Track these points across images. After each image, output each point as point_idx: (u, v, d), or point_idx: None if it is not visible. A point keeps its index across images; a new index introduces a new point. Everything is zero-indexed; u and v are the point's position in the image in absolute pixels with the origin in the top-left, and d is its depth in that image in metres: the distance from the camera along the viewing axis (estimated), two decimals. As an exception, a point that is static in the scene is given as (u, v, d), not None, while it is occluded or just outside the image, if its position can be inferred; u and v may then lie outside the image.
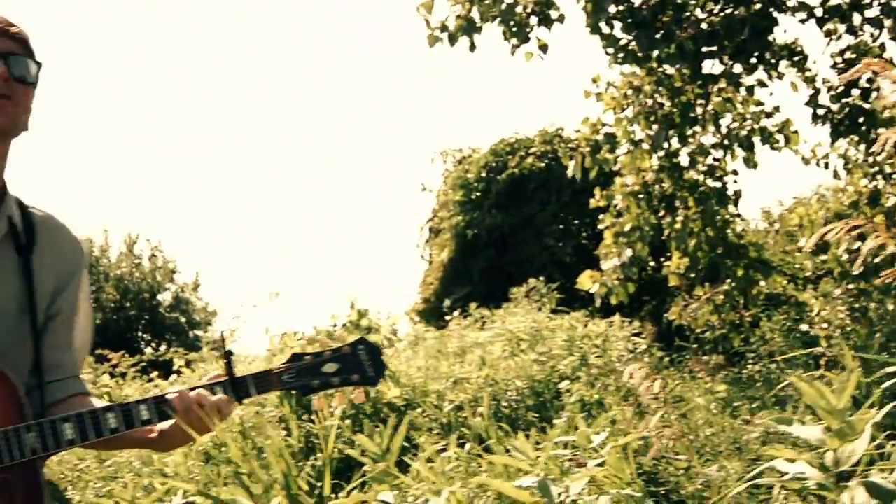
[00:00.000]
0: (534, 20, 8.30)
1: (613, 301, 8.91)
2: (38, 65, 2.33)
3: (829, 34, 8.38)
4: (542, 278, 10.57)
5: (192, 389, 2.37)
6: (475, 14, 8.33)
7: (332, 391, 2.61)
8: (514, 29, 8.28)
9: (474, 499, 2.13)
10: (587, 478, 2.01)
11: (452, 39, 8.44)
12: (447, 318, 11.77)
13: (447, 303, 16.69)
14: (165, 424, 2.38)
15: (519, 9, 8.23)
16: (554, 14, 8.27)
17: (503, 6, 8.21)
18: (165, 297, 29.13)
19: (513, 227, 19.70)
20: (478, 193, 20.53)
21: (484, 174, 20.78)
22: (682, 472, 3.36)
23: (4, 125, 2.24)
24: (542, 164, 20.17)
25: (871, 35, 8.16)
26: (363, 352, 2.59)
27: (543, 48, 8.34)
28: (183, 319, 28.95)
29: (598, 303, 9.00)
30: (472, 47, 8.50)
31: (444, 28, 8.40)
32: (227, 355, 2.48)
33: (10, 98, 2.23)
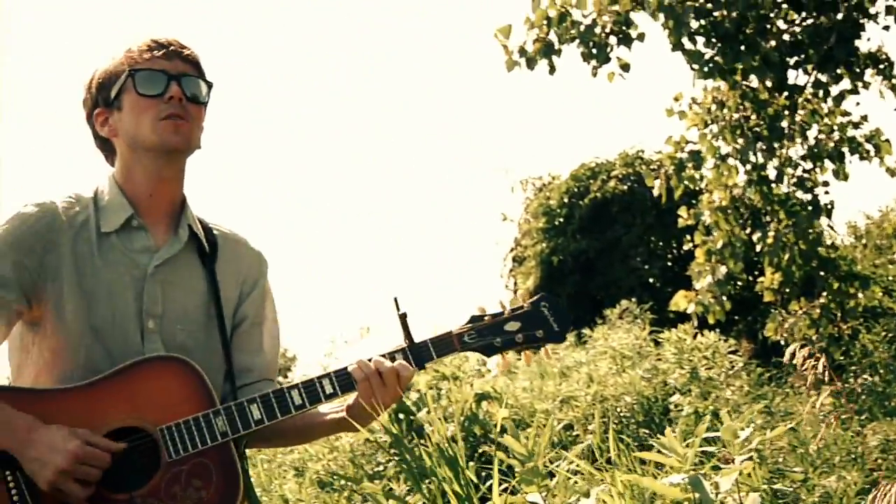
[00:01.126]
0: (613, 40, 8.25)
1: (710, 320, 8.76)
2: (209, 85, 2.43)
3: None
4: (633, 300, 10.45)
5: (370, 359, 2.39)
6: (553, 37, 8.31)
7: (515, 349, 2.52)
8: (594, 50, 8.25)
9: (623, 497, 2.08)
10: (736, 473, 1.95)
11: (531, 63, 8.43)
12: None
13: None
14: (349, 398, 2.41)
15: (598, 29, 8.20)
16: (633, 33, 8.22)
17: (582, 27, 8.18)
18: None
19: (598, 252, 19.56)
20: (561, 220, 20.45)
21: (566, 200, 20.69)
22: (799, 485, 3.28)
23: (181, 144, 2.36)
24: (625, 187, 20.02)
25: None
26: (546, 308, 2.53)
27: (625, 67, 8.28)
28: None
29: (694, 322, 8.86)
30: (552, 70, 8.47)
31: (522, 52, 8.40)
32: (404, 320, 2.44)
33: (184, 118, 2.34)
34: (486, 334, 2.49)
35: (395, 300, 2.44)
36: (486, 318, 2.52)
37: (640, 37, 8.22)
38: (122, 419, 2.25)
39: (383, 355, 2.42)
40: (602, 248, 19.59)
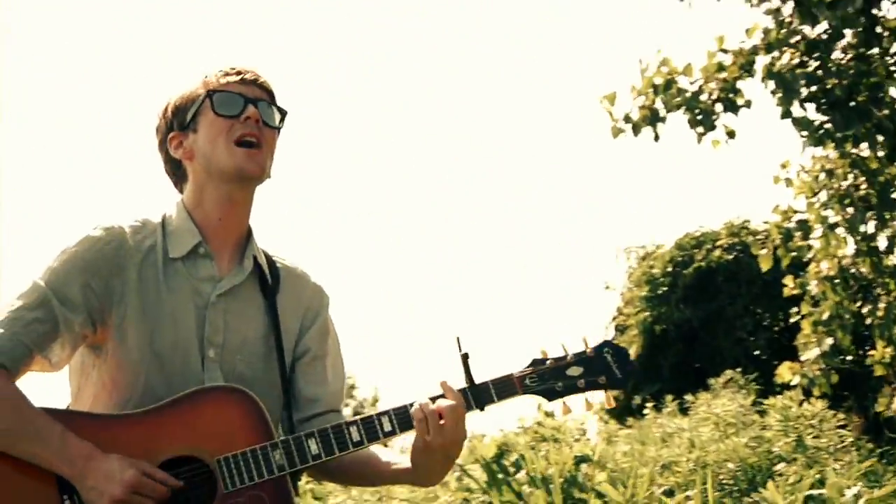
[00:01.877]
0: (719, 107, 8.23)
1: (816, 392, 8.52)
2: (283, 113, 2.49)
3: None
4: (738, 370, 10.25)
5: (433, 400, 2.36)
6: (659, 104, 8.33)
7: (576, 395, 2.49)
8: (700, 117, 8.23)
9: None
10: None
11: (636, 130, 8.45)
12: (643, 413, 11.52)
13: (637, 399, 16.36)
14: (408, 436, 2.36)
15: (704, 96, 8.19)
16: (740, 100, 8.18)
17: (688, 94, 8.19)
18: (345, 414, 29.61)
19: (702, 321, 19.23)
20: (664, 288, 20.19)
21: (670, 269, 20.45)
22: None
23: (255, 172, 2.41)
24: (730, 257, 19.72)
25: None
26: (609, 353, 2.50)
27: (731, 134, 8.24)
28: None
29: (800, 394, 8.64)
30: (657, 137, 8.47)
31: (627, 119, 8.42)
32: (465, 360, 2.42)
33: (260, 147, 2.40)
34: (548, 378, 2.46)
35: (458, 339, 2.41)
36: (548, 361, 2.49)
37: (748, 104, 8.18)
38: (180, 448, 2.27)
39: (443, 396, 2.37)
40: (706, 317, 19.25)
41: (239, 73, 2.45)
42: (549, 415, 9.25)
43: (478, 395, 2.40)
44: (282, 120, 2.49)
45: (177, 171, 2.52)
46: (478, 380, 2.42)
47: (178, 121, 2.46)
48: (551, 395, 2.46)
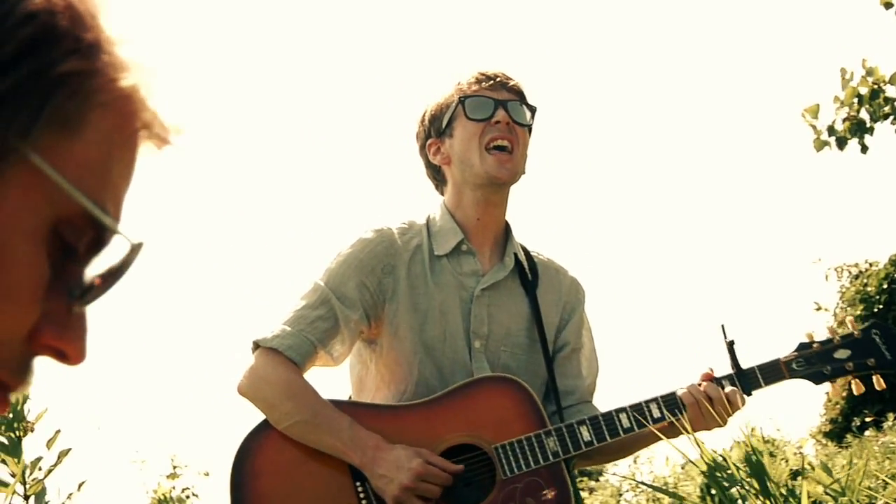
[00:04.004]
0: (931, 115, 7.95)
1: None
2: (533, 109, 2.62)
3: None
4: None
5: (699, 384, 2.44)
6: (864, 114, 8.12)
7: (845, 378, 2.49)
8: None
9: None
10: None
11: (841, 143, 8.26)
12: (863, 433, 11.09)
13: (857, 421, 15.72)
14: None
15: (913, 105, 7.93)
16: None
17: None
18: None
19: (923, 339, 18.33)
20: (880, 306, 19.36)
21: (885, 286, 19.59)
22: None
23: (505, 178, 2.54)
24: (951, 271, 18.73)
25: None
26: (878, 335, 2.50)
27: (943, 141, 7.94)
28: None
29: None
30: (864, 149, 8.26)
31: (831, 131, 8.24)
32: (731, 347, 2.45)
33: (511, 151, 2.53)
34: (815, 362, 2.47)
35: (723, 327, 2.47)
36: (814, 345, 2.49)
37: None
38: (459, 436, 2.41)
39: (711, 381, 2.45)
40: (928, 335, 18.34)
41: (489, 77, 2.59)
42: (766, 440, 9.07)
43: (745, 381, 2.44)
44: (532, 116, 2.60)
45: (437, 176, 2.70)
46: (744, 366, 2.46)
47: (435, 127, 2.64)
48: (819, 379, 2.48)
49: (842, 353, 2.49)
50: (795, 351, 2.50)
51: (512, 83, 2.61)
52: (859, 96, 8.08)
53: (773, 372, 2.47)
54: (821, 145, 8.30)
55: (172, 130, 0.75)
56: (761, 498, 2.36)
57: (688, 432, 2.33)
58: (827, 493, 2.29)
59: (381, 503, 2.35)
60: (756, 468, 2.27)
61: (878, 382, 2.48)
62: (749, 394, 2.46)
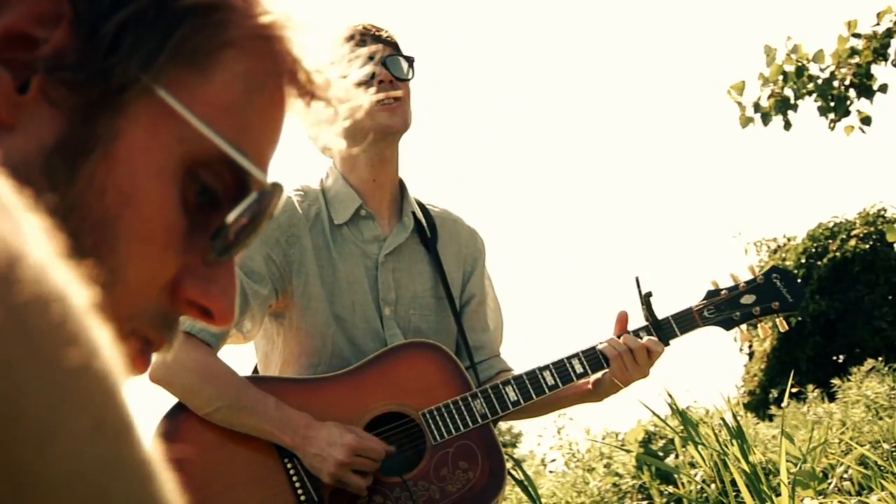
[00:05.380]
0: (853, 93, 8.09)
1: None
2: (410, 60, 2.53)
3: None
4: (880, 360, 10.04)
5: (618, 336, 2.46)
6: (789, 91, 8.24)
7: (752, 322, 2.58)
8: (833, 103, 8.11)
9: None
10: None
11: (766, 119, 8.37)
12: (781, 406, 11.35)
13: (774, 393, 16.11)
14: (598, 375, 2.48)
15: (836, 82, 8.07)
16: (875, 85, 8.03)
17: (819, 81, 8.08)
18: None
19: (839, 313, 18.81)
20: (798, 281, 19.83)
21: (803, 261, 20.06)
22: None
23: (399, 126, 2.47)
24: (867, 246, 19.22)
25: None
26: (778, 279, 2.59)
27: (866, 121, 8.09)
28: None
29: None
30: (787, 126, 8.38)
31: (756, 108, 8.35)
32: (647, 298, 2.50)
33: (399, 99, 2.45)
34: (725, 308, 2.53)
35: (637, 279, 2.52)
36: (722, 292, 2.56)
37: (883, 88, 8.03)
38: (385, 405, 2.39)
39: (629, 333, 2.47)
40: (843, 308, 18.82)
41: (362, 33, 2.48)
42: (680, 411, 9.20)
43: (661, 332, 2.48)
44: (410, 67, 2.52)
45: None
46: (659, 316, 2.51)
47: None
48: (729, 325, 2.54)
49: (747, 299, 2.57)
50: (704, 299, 2.56)
51: (385, 34, 2.52)
52: (784, 74, 8.19)
53: (686, 320, 2.52)
54: (746, 121, 8.39)
55: (321, 84, 0.70)
56: (741, 464, 2.41)
57: (618, 387, 2.41)
58: (788, 461, 2.34)
59: (314, 481, 2.32)
60: (738, 433, 2.31)
61: (781, 325, 2.59)
62: (667, 343, 2.49)
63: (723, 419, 2.40)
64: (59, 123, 0.59)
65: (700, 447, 2.65)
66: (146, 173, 0.62)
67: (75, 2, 0.60)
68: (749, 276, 2.61)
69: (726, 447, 2.37)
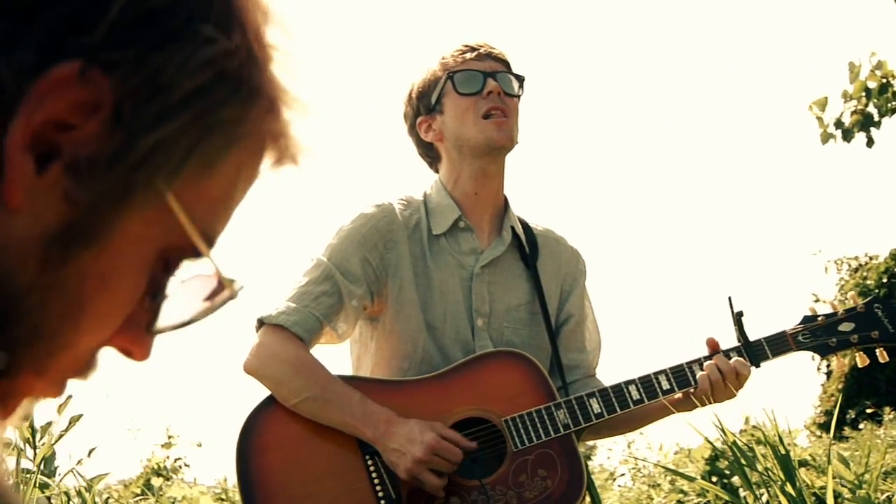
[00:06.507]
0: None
1: None
2: (521, 79, 2.60)
3: None
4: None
5: (707, 357, 2.47)
6: (872, 108, 8.12)
7: (848, 351, 2.55)
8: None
9: None
10: None
11: (847, 136, 8.26)
12: (859, 428, 11.15)
13: (852, 413, 15.79)
14: (682, 392, 2.48)
15: (921, 99, 7.94)
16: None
17: (903, 98, 7.95)
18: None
19: (921, 334, 18.37)
20: (879, 300, 19.41)
21: (885, 280, 19.63)
22: None
23: (504, 141, 2.51)
24: (951, 266, 18.76)
25: None
26: (879, 309, 2.56)
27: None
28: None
29: None
30: (870, 143, 8.26)
31: (838, 124, 8.24)
32: (739, 318, 2.50)
33: (506, 113, 2.51)
34: (820, 334, 2.52)
35: (730, 299, 2.51)
36: (819, 318, 2.54)
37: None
38: (468, 410, 2.42)
39: (719, 353, 2.47)
40: (925, 330, 18.38)
41: (474, 48, 2.56)
42: (757, 428, 9.08)
43: (752, 353, 2.48)
44: (521, 86, 2.58)
45: (430, 153, 2.66)
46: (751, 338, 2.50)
47: (424, 105, 2.59)
48: (824, 351, 2.53)
49: (846, 326, 2.54)
50: (801, 324, 2.54)
51: (497, 53, 2.59)
52: (867, 90, 8.08)
53: (779, 343, 2.51)
54: (827, 138, 8.31)
55: (302, 151, 0.72)
56: (787, 485, 2.39)
57: (702, 405, 2.41)
58: (843, 486, 2.33)
59: (392, 477, 2.36)
60: (783, 460, 2.30)
61: (882, 355, 2.55)
62: (757, 365, 2.49)
63: (769, 443, 2.38)
64: (66, 212, 0.60)
65: (750, 470, 2.62)
66: (130, 263, 0.65)
67: (119, 101, 0.60)
68: (851, 305, 2.58)
69: (771, 473, 2.35)
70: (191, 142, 0.63)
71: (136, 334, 0.69)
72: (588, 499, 2.45)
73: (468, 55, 2.55)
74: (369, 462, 2.39)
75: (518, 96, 2.58)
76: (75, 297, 0.63)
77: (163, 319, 0.70)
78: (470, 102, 2.50)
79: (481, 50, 2.56)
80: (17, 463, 3.45)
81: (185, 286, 0.71)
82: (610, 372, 2.60)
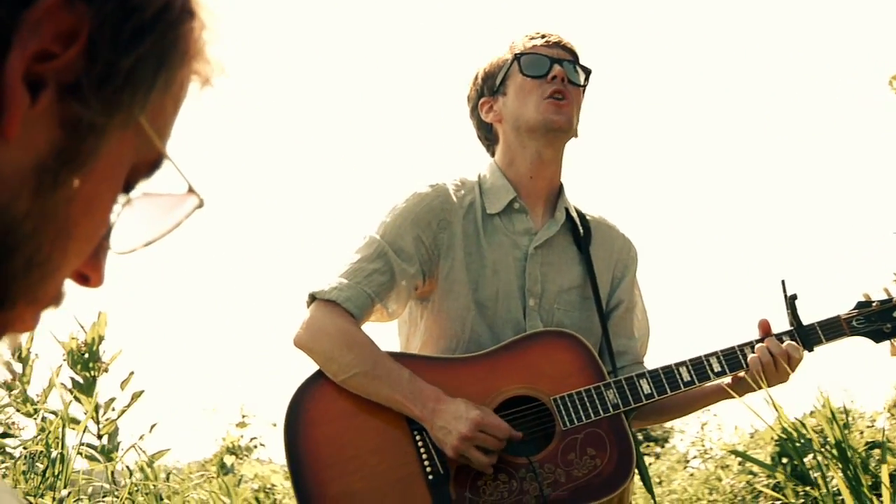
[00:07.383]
0: None
1: None
2: (587, 71, 2.61)
3: None
4: None
5: (759, 340, 2.46)
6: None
7: None
8: None
9: None
10: None
11: (930, 112, 8.01)
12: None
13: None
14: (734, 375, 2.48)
15: None
16: None
17: None
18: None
19: None
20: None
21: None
22: None
23: (562, 124, 2.52)
24: None
25: None
26: None
27: None
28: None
29: None
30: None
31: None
32: (792, 302, 2.48)
33: (567, 98, 2.52)
34: (875, 320, 2.49)
35: (783, 282, 2.49)
36: (873, 304, 2.52)
37: None
38: (517, 388, 2.42)
39: (772, 336, 2.46)
40: None
41: (544, 35, 2.59)
42: (834, 411, 8.86)
43: (805, 337, 2.46)
44: (586, 79, 2.60)
45: (488, 135, 2.67)
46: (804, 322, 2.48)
47: (488, 86, 2.62)
48: (879, 337, 2.50)
49: None
50: (855, 309, 2.52)
51: (566, 43, 2.61)
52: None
53: (833, 328, 2.49)
54: (907, 114, 8.06)
55: (218, 70, 0.74)
56: (840, 465, 2.35)
57: (756, 388, 2.39)
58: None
59: (440, 454, 2.36)
60: (839, 439, 2.26)
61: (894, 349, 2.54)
62: (811, 350, 2.47)
63: (820, 426, 2.33)
64: (56, 137, 0.63)
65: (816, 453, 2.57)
66: (108, 185, 0.68)
67: (94, 25, 0.62)
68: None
69: (832, 451, 2.29)
70: (159, 58, 0.66)
71: (94, 259, 0.72)
72: (637, 478, 2.42)
73: (538, 41, 2.58)
74: (417, 438, 2.40)
75: (583, 87, 2.59)
76: (64, 223, 0.65)
77: (129, 241, 0.73)
78: (534, 85, 2.52)
79: (551, 38, 2.59)
80: (80, 437, 3.50)
81: (145, 206, 0.73)
82: (661, 359, 2.55)
